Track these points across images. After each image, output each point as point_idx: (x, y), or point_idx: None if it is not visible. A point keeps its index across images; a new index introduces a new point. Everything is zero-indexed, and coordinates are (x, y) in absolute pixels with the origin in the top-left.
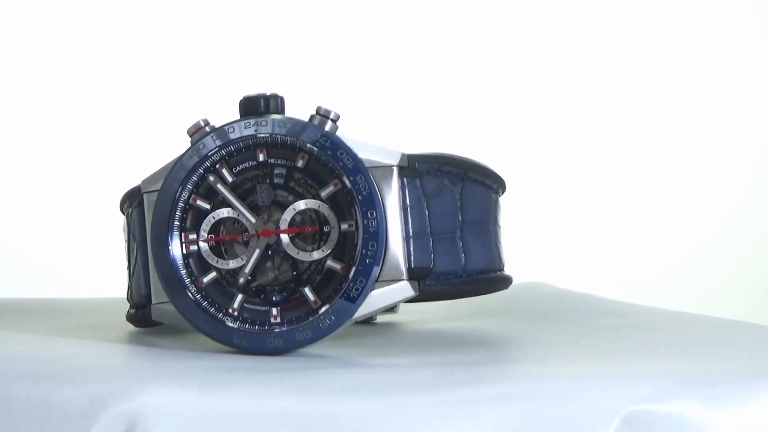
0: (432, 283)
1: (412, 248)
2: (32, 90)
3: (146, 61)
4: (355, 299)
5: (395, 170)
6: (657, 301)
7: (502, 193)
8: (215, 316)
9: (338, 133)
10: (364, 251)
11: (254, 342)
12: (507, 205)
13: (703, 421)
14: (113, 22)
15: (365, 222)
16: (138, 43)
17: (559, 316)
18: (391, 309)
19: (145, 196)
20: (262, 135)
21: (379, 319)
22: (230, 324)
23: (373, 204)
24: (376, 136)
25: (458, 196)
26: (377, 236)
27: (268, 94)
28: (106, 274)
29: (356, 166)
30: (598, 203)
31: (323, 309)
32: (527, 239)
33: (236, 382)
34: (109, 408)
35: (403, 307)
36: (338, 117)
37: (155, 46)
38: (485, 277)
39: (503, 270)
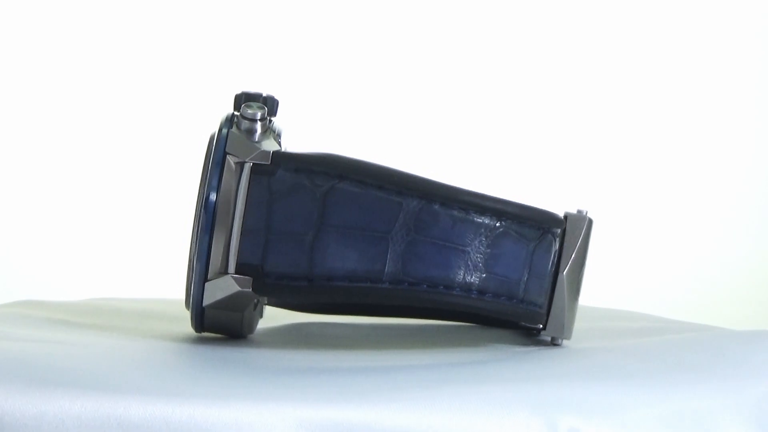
0: (271, 281)
1: (244, 244)
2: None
3: (156, 66)
4: (197, 287)
5: (247, 167)
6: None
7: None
8: None
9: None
10: (196, 243)
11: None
12: None
13: None
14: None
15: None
16: (150, 49)
17: None
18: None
19: None
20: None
21: (565, 344)
22: None
23: (206, 199)
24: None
25: (321, 197)
26: (200, 228)
27: (264, 95)
28: None
29: (208, 163)
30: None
31: (191, 297)
32: None
33: None
34: None
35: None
36: (264, 116)
37: (165, 49)
38: (343, 285)
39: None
